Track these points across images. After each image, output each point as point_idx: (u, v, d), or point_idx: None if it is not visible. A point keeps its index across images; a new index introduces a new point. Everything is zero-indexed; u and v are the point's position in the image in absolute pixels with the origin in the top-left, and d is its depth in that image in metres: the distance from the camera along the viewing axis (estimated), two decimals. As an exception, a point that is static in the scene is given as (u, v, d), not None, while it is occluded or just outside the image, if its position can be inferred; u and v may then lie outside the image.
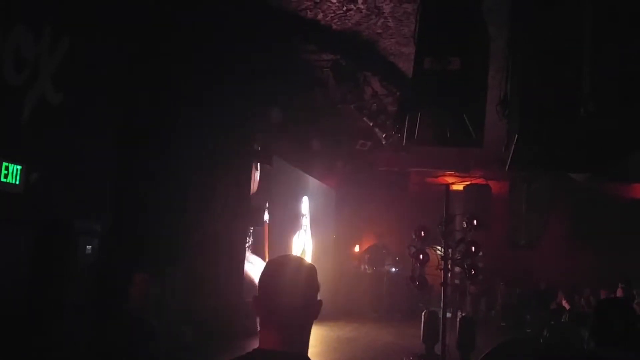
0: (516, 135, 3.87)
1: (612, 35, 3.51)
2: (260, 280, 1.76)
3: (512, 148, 4.11)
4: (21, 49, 5.50)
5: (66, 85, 6.02)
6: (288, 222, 12.84)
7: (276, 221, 11.55)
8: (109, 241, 6.58)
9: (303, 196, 13.96)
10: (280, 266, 1.79)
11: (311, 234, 14.40)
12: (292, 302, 1.71)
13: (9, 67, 5.39)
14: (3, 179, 5.32)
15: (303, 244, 13.96)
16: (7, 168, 5.34)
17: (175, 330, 7.12)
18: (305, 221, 14.21)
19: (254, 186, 10.85)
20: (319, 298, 1.80)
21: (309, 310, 1.75)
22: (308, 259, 13.96)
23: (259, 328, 1.74)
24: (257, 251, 11.02)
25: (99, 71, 6.62)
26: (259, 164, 10.75)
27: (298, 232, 13.69)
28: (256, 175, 10.96)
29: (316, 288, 1.79)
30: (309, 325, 1.76)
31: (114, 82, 7.01)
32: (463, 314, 9.35)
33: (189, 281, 7.92)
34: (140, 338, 3.84)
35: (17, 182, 5.46)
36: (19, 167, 5.45)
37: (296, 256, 1.87)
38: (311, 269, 1.80)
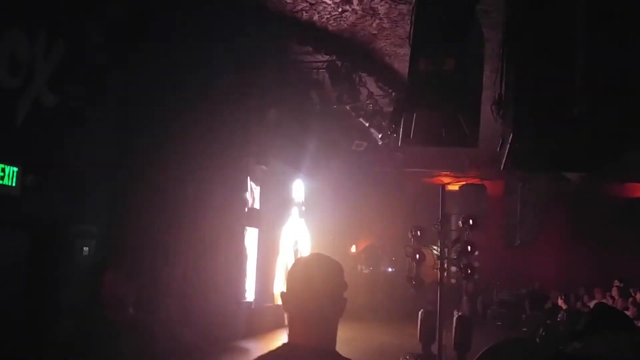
0: (511, 135, 3.89)
1: (605, 35, 3.54)
2: (289, 276, 1.83)
3: (507, 148, 4.13)
4: (16, 53, 5.50)
5: (61, 88, 6.02)
6: (277, 209, 12.72)
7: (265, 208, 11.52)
8: (105, 243, 6.57)
9: (295, 180, 13.89)
10: (310, 263, 1.87)
11: (307, 226, 14.35)
12: (320, 299, 1.77)
13: (4, 71, 5.38)
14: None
15: (295, 237, 13.88)
16: (3, 170, 5.33)
17: (174, 331, 7.12)
18: (298, 209, 14.11)
19: (252, 200, 10.88)
20: (344, 296, 1.85)
21: (336, 307, 1.80)
22: (305, 251, 13.97)
23: (286, 323, 1.80)
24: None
25: (94, 74, 6.61)
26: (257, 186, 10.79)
27: (288, 220, 13.62)
28: (255, 192, 10.98)
29: (343, 286, 1.84)
30: (336, 321, 1.81)
31: (109, 85, 7.00)
32: (459, 314, 9.38)
33: (187, 283, 7.91)
34: (122, 342, 3.74)
35: (14, 184, 5.46)
36: (15, 169, 5.45)
37: (324, 255, 1.93)
38: (338, 268, 1.87)
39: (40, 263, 5.83)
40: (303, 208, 14.45)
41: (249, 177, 10.67)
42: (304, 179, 14.10)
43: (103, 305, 3.79)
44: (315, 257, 1.89)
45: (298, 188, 14.24)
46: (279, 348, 1.79)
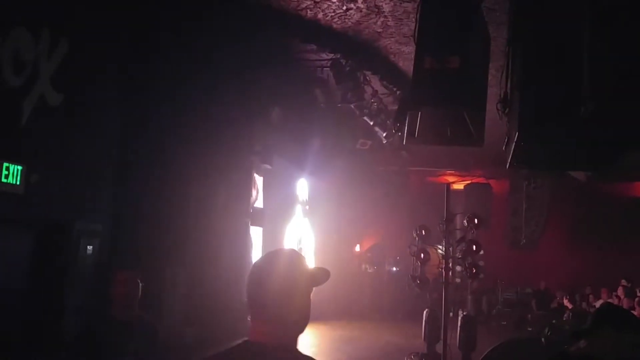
0: (516, 134, 3.86)
1: (612, 34, 3.50)
2: (249, 274, 1.81)
3: (513, 146, 4.10)
4: (20, 51, 5.50)
5: (65, 86, 6.02)
6: (282, 208, 12.71)
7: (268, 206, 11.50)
8: (109, 242, 6.58)
9: (299, 179, 13.84)
10: (268, 260, 1.84)
11: (311, 225, 14.32)
12: (276, 295, 1.74)
13: (8, 70, 5.39)
14: (4, 180, 5.32)
15: (299, 235, 13.87)
16: (7, 169, 5.34)
17: (177, 331, 7.12)
18: (302, 208, 14.10)
19: (256, 195, 10.86)
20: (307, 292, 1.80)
21: (297, 303, 1.77)
22: (309, 250, 13.96)
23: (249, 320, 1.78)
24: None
25: (98, 73, 6.61)
26: (260, 176, 10.77)
27: (292, 219, 13.59)
28: (258, 184, 10.95)
29: (305, 281, 1.80)
30: (299, 318, 1.78)
31: (113, 83, 7.00)
32: (464, 313, 9.34)
33: (191, 282, 7.91)
34: (129, 341, 3.76)
35: (18, 183, 5.46)
36: (20, 168, 5.45)
37: (286, 250, 1.91)
38: (298, 263, 1.83)
39: (44, 262, 5.84)
40: (307, 207, 14.44)
41: (255, 175, 10.66)
42: (308, 178, 14.08)
43: (110, 304, 3.82)
44: (275, 253, 1.87)
45: (302, 187, 14.23)
46: (237, 345, 1.77)
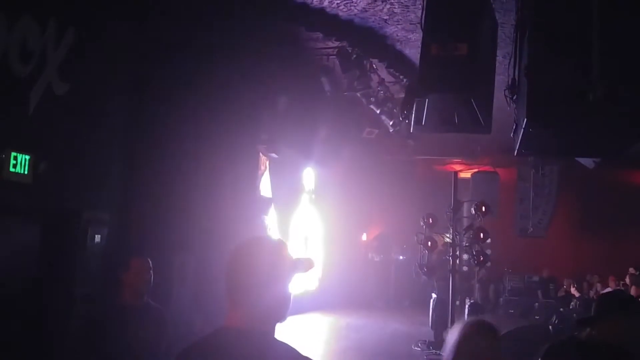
0: (524, 120, 3.84)
1: (621, 19, 3.46)
2: (228, 259, 1.82)
3: (521, 133, 4.08)
4: (28, 41, 5.51)
5: (72, 75, 6.03)
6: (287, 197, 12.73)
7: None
8: (117, 231, 6.61)
9: (305, 167, 13.80)
10: (244, 246, 1.84)
11: (317, 214, 14.31)
12: (252, 280, 1.74)
13: (16, 59, 5.40)
14: (12, 169, 5.35)
15: (305, 225, 13.88)
16: (15, 158, 5.36)
17: (185, 319, 7.16)
18: (308, 197, 14.10)
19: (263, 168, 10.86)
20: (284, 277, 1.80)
21: (276, 290, 1.76)
22: (315, 241, 13.98)
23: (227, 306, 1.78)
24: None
25: (105, 62, 6.61)
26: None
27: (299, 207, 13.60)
28: (265, 178, 10.98)
29: (282, 266, 1.79)
30: (277, 305, 1.77)
31: (120, 72, 7.00)
32: (471, 301, 9.36)
33: (199, 270, 7.95)
34: (138, 328, 3.80)
35: (26, 172, 5.49)
36: (27, 157, 5.47)
37: (263, 236, 1.94)
38: (275, 248, 1.82)
39: (52, 251, 5.88)
40: (313, 196, 14.44)
41: (266, 163, 10.64)
42: (315, 167, 14.08)
43: (120, 291, 3.88)
44: (252, 239, 1.88)
45: (308, 176, 14.23)
46: (213, 332, 1.78)
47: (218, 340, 1.75)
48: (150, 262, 3.96)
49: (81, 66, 6.14)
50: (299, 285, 10.99)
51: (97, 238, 6.18)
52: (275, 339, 1.76)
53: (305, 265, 1.84)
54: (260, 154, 10.68)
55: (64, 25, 5.91)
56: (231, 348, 1.70)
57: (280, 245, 1.84)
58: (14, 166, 5.37)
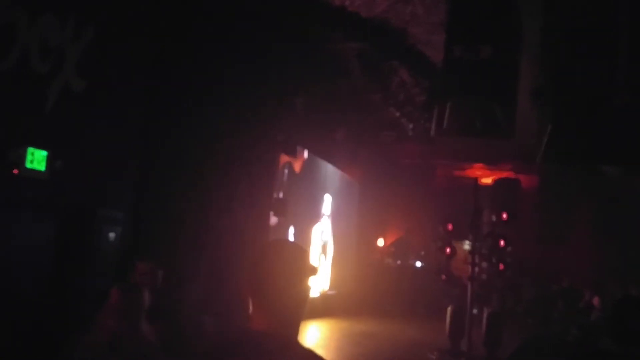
0: (549, 127, 3.72)
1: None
2: (253, 263, 1.83)
3: (546, 140, 3.96)
4: (47, 38, 5.52)
5: (90, 73, 6.03)
6: (308, 217, 12.72)
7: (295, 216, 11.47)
8: (131, 229, 6.59)
9: (325, 194, 13.79)
10: (269, 249, 1.87)
11: (332, 231, 14.26)
12: (278, 284, 1.76)
13: (35, 56, 5.41)
14: (29, 165, 5.35)
15: (322, 228, 13.81)
16: (32, 154, 5.36)
17: (196, 320, 7.12)
18: (326, 220, 14.05)
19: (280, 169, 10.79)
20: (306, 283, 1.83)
21: (298, 294, 1.78)
22: (329, 254, 13.89)
23: (250, 309, 1.80)
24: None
25: (123, 60, 6.61)
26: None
27: (318, 224, 13.55)
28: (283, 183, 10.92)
29: (304, 272, 1.82)
30: (298, 308, 1.79)
31: (137, 70, 7.00)
32: (490, 310, 9.18)
33: (211, 270, 7.91)
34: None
35: (43, 169, 5.49)
36: (45, 153, 5.48)
37: (287, 240, 1.91)
38: (299, 253, 1.85)
39: (66, 248, 5.87)
40: (331, 200, 14.35)
41: (284, 164, 10.59)
42: (332, 170, 13.99)
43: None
44: (276, 243, 1.94)
45: (326, 178, 14.14)
46: (234, 333, 1.79)
47: (243, 343, 1.75)
48: (157, 265, 3.91)
49: (99, 63, 6.14)
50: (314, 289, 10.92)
51: (111, 236, 6.16)
52: (298, 342, 1.78)
53: (315, 270, 1.89)
54: (278, 155, 10.63)
55: (84, 22, 5.91)
56: (258, 352, 1.71)
57: (302, 250, 1.87)
58: (31, 162, 5.37)
